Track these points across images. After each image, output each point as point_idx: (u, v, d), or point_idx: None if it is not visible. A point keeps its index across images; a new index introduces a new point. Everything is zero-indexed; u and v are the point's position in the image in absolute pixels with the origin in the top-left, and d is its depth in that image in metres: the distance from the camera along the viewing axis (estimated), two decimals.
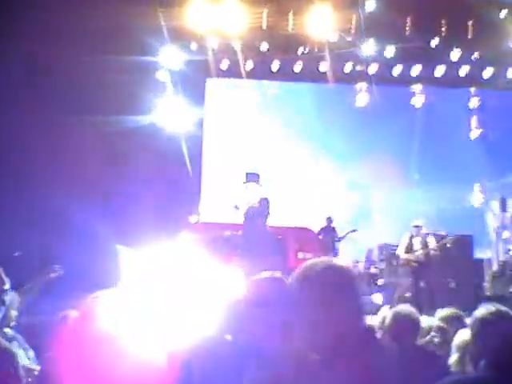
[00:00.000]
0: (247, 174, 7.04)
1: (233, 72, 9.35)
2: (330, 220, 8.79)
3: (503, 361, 2.04)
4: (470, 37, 8.78)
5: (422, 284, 7.77)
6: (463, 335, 3.25)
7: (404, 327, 2.93)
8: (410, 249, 7.83)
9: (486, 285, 7.86)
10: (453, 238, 7.87)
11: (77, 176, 7.24)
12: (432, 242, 7.83)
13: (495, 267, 8.08)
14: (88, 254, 6.05)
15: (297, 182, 10.15)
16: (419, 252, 7.75)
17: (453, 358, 3.27)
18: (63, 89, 7.29)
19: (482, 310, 2.20)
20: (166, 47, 8.58)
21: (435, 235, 8.00)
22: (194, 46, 8.90)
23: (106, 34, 7.20)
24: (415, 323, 2.97)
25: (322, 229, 8.80)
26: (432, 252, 7.77)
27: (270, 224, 7.20)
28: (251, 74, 9.49)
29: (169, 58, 8.72)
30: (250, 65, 9.29)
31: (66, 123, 7.17)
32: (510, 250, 8.07)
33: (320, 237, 8.72)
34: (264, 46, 8.97)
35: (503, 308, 2.19)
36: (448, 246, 7.88)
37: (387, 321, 3.02)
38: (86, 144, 7.52)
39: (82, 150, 7.49)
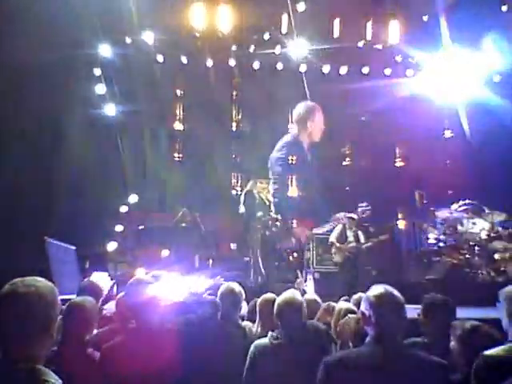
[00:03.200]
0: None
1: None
2: None
3: (383, 334, 2.28)
4: (392, 39, 9.33)
5: (348, 271, 8.24)
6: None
7: (289, 310, 3.20)
8: (343, 239, 8.29)
9: (405, 272, 8.39)
10: (386, 236, 8.39)
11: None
12: (362, 235, 8.33)
13: (414, 256, 8.63)
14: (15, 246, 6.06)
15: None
16: (352, 243, 8.22)
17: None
18: None
19: (372, 291, 2.39)
20: (103, 41, 8.62)
21: (365, 227, 8.50)
22: (129, 40, 8.96)
23: (42, 27, 7.15)
24: (297, 306, 3.25)
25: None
26: (363, 243, 8.25)
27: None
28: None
29: (105, 53, 8.74)
30: (184, 61, 9.47)
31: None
32: (428, 239, 8.62)
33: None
34: (198, 44, 9.17)
35: (389, 288, 2.38)
36: (378, 242, 8.37)
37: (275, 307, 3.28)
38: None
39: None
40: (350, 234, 8.21)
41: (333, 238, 8.25)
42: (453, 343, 2.63)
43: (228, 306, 3.65)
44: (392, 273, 8.47)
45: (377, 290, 2.36)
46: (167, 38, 9.00)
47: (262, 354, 3.13)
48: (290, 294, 3.36)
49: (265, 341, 3.19)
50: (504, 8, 9.27)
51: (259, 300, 3.86)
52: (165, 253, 7.77)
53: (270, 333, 3.22)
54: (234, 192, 10.16)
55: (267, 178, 6.18)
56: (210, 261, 8.09)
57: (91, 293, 3.66)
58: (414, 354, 2.31)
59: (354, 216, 8.26)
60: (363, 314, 2.37)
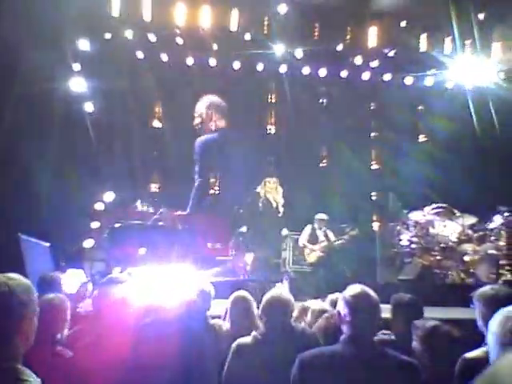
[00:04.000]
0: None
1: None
2: (237, 211, 9.13)
3: (358, 333, 2.32)
4: (370, 44, 9.49)
5: (322, 272, 8.37)
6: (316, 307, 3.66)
7: (274, 308, 3.14)
8: (314, 239, 8.42)
9: (378, 273, 8.55)
10: (356, 231, 8.53)
11: None
12: (331, 236, 8.47)
13: (387, 257, 8.79)
14: None
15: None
16: (323, 243, 8.35)
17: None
18: None
19: (349, 291, 2.44)
20: (82, 36, 8.56)
21: (337, 229, 8.66)
22: (108, 35, 8.92)
23: (20, 21, 7.07)
24: (284, 304, 3.17)
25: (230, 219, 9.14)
26: (335, 244, 8.39)
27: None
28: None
29: (84, 47, 8.68)
30: (164, 58, 9.46)
31: None
32: (400, 241, 8.79)
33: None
34: (179, 41, 9.17)
35: (366, 289, 2.43)
36: (349, 238, 8.52)
37: (261, 304, 3.24)
38: None
39: None
40: (320, 234, 8.36)
41: (303, 240, 8.38)
42: (415, 343, 2.71)
43: (201, 304, 3.68)
44: (365, 273, 8.62)
45: (353, 289, 2.40)
46: (148, 34, 8.98)
47: (244, 352, 3.06)
48: (278, 291, 3.33)
49: (248, 339, 3.13)
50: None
51: (230, 297, 3.88)
52: (141, 251, 7.75)
53: (253, 331, 3.19)
54: (212, 192, 10.17)
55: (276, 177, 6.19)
56: (188, 260, 8.11)
57: (48, 286, 3.64)
58: (387, 354, 2.34)
59: (324, 217, 8.40)
60: (339, 313, 2.42)
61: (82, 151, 8.43)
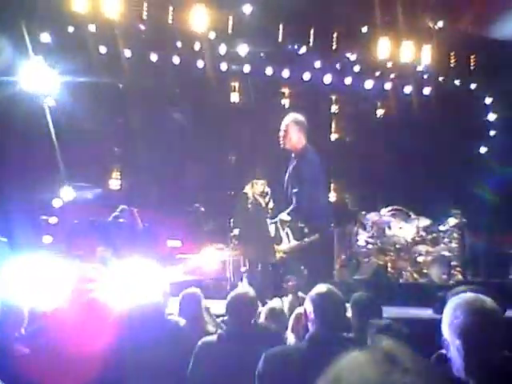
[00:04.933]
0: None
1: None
2: (198, 208, 9.19)
3: (322, 331, 2.38)
4: (334, 47, 9.68)
5: (281, 271, 8.49)
6: (296, 311, 3.72)
7: (238, 306, 3.13)
8: (278, 240, 8.50)
9: (335, 273, 8.75)
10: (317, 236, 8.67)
11: None
12: (290, 235, 8.59)
13: (343, 257, 9.00)
14: None
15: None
16: (287, 244, 8.46)
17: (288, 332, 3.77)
18: None
19: (315, 289, 2.51)
20: (44, 31, 8.40)
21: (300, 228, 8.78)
22: (71, 29, 8.78)
23: None
24: (250, 303, 3.19)
25: (191, 217, 9.17)
26: (298, 244, 8.49)
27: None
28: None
29: (46, 40, 8.52)
30: (127, 53, 9.38)
31: None
32: (357, 241, 9.02)
33: (191, 224, 9.10)
34: (143, 36, 9.12)
35: (332, 288, 2.51)
36: (310, 241, 8.65)
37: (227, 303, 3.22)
38: None
39: None
40: (283, 235, 8.46)
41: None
42: (369, 340, 2.84)
43: (157, 300, 3.68)
44: (323, 272, 8.80)
45: (319, 288, 2.46)
46: (111, 29, 8.90)
47: (208, 350, 3.03)
48: (243, 290, 3.38)
49: (212, 338, 3.12)
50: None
51: (180, 294, 3.91)
52: (101, 248, 7.69)
53: (219, 330, 3.21)
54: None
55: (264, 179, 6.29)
56: (148, 257, 8.09)
57: None
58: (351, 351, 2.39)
59: (286, 218, 8.51)
60: (305, 311, 2.47)
61: (41, 146, 8.27)
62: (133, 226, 7.85)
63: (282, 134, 6.00)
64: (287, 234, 8.54)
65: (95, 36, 8.88)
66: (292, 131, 5.95)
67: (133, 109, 9.95)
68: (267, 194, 6.60)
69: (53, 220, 8.12)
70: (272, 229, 8.52)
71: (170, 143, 9.92)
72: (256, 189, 6.70)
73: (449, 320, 1.71)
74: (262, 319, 3.86)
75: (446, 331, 1.71)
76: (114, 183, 9.88)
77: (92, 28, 8.79)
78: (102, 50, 9.18)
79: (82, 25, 8.65)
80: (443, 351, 1.79)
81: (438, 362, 1.97)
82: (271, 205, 6.47)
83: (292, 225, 8.53)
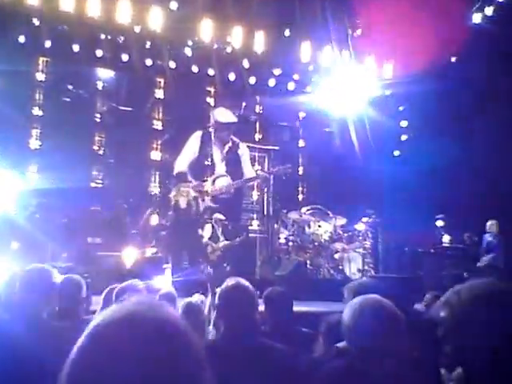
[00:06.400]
0: None
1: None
2: (121, 206, 9.06)
3: (232, 326, 2.39)
4: (259, 49, 9.86)
5: (209, 269, 8.55)
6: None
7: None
8: (215, 238, 8.52)
9: (257, 269, 8.95)
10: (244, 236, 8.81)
11: None
12: (220, 234, 8.67)
13: (265, 254, 9.25)
14: None
15: None
16: (222, 242, 8.50)
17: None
18: None
19: (225, 284, 2.51)
20: None
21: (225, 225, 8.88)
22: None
23: None
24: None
25: (113, 214, 9.02)
26: (230, 242, 8.56)
27: None
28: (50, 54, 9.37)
29: None
30: (48, 44, 9.07)
31: None
32: (279, 238, 9.29)
33: (113, 222, 8.93)
34: (64, 28, 8.86)
35: (241, 282, 2.50)
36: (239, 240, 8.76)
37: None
38: None
39: None
40: (219, 234, 8.52)
41: (206, 238, 8.42)
42: (321, 339, 2.88)
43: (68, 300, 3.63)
44: (246, 269, 8.97)
45: (229, 283, 2.49)
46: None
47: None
48: (164, 289, 3.45)
49: None
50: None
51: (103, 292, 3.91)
52: (14, 244, 7.41)
53: None
54: (93, 185, 9.99)
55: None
56: (64, 254, 7.89)
57: None
58: (264, 344, 2.41)
59: (222, 217, 8.59)
60: (216, 306, 2.52)
61: None
62: (48, 222, 7.67)
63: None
64: (222, 232, 8.64)
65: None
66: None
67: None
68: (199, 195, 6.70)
69: None
70: (208, 228, 8.56)
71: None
72: (182, 191, 6.75)
73: (347, 320, 1.83)
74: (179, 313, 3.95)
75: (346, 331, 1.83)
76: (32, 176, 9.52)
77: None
78: (21, 39, 8.82)
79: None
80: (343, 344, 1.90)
81: (337, 354, 2.07)
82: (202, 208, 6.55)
83: (224, 224, 8.66)
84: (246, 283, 2.49)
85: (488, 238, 8.98)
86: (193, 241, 6.83)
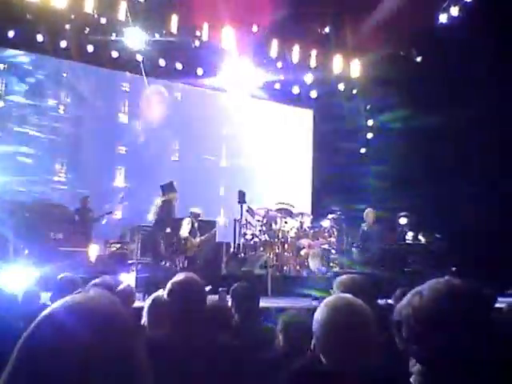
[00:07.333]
0: None
1: None
2: (85, 201, 8.89)
3: (183, 319, 2.33)
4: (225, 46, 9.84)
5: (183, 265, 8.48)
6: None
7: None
8: (194, 234, 8.44)
9: (223, 265, 8.94)
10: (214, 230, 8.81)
11: None
12: (196, 231, 8.61)
13: (231, 250, 9.23)
14: None
15: None
16: (198, 238, 8.44)
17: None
18: None
19: (175, 278, 2.45)
20: None
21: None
22: None
23: None
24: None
25: (76, 209, 8.86)
26: (207, 236, 8.51)
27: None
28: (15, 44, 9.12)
29: None
30: (11, 34, 8.81)
31: None
32: (245, 235, 9.29)
33: (76, 217, 8.77)
34: (28, 17, 8.62)
35: (190, 275, 2.46)
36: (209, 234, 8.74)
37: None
38: None
39: None
40: (196, 228, 8.45)
41: (186, 233, 8.31)
42: (280, 337, 2.88)
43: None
44: (213, 265, 8.95)
45: (178, 277, 2.46)
46: None
47: None
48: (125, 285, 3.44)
49: None
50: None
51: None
52: None
53: None
54: (56, 179, 9.80)
55: None
56: (26, 251, 7.72)
57: None
58: (221, 340, 2.40)
59: (199, 211, 8.53)
60: (165, 302, 2.46)
61: None
62: (11, 218, 7.50)
63: None
64: (198, 227, 8.57)
65: None
66: None
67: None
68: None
69: None
70: (187, 221, 8.46)
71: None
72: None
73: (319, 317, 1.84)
74: (145, 309, 3.91)
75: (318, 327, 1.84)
76: None
77: None
78: None
79: None
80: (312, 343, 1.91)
81: (311, 354, 2.07)
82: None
83: (199, 219, 8.62)
84: (196, 277, 2.47)
85: (364, 227, 8.54)
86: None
